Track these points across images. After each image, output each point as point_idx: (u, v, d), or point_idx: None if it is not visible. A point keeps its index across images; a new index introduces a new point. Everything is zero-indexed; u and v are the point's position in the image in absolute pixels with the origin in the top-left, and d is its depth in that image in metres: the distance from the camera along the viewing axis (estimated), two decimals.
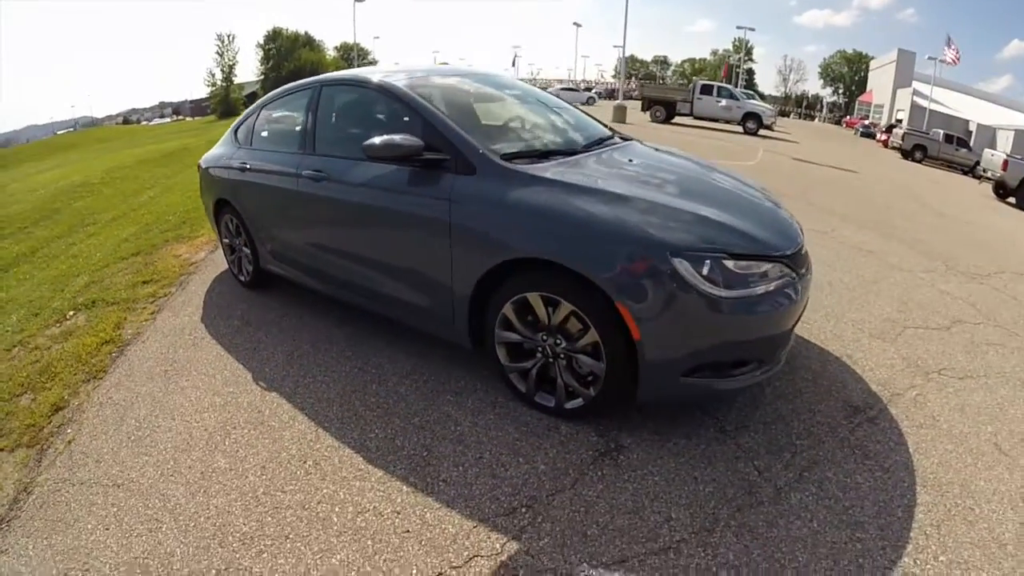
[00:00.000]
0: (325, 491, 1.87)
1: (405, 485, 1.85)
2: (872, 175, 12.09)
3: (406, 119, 2.38)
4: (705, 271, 1.78)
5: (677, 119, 21.00)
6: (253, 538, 1.73)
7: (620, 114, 18.48)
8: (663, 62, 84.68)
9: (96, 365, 3.10)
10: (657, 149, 2.92)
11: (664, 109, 20.88)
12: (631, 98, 28.59)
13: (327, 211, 2.72)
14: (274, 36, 52.99)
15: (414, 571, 1.54)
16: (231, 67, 50.68)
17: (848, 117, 53.04)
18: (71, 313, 3.99)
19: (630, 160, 2.47)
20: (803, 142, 17.96)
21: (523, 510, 1.69)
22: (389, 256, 2.44)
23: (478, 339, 2.23)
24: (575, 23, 51.77)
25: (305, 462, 2.03)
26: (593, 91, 24.54)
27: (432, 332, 2.47)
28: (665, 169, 2.49)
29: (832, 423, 2.21)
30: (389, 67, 3.29)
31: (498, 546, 1.58)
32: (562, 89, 32.63)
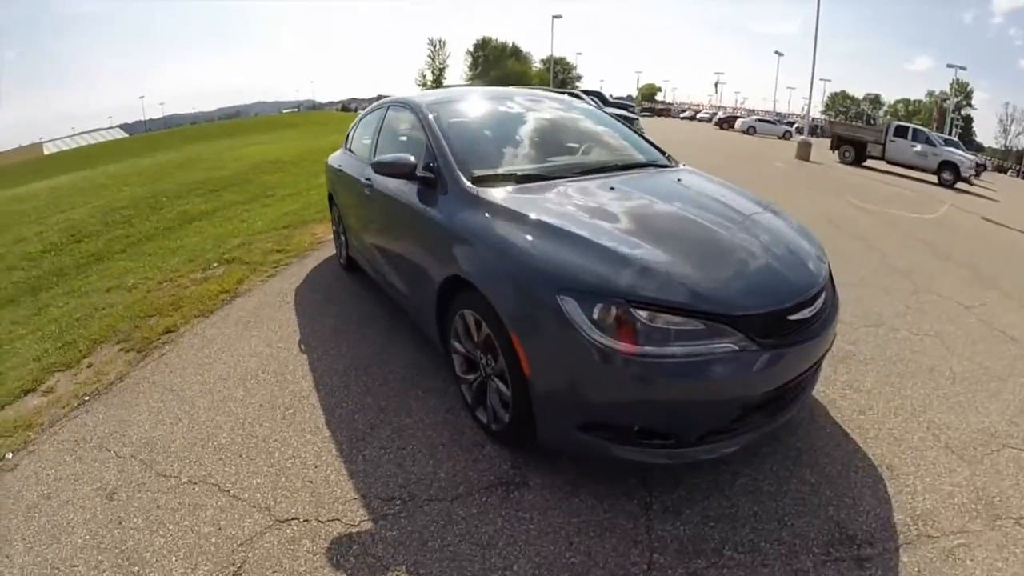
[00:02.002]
0: (283, 434, 2.49)
1: (335, 448, 2.35)
2: None
3: (423, 138, 2.92)
4: (596, 314, 1.76)
5: (869, 162, 18.92)
6: (222, 448, 2.42)
7: (804, 151, 17.37)
8: (875, 100, 79.61)
9: (208, 307, 4.26)
10: (689, 182, 2.84)
11: (853, 149, 19.01)
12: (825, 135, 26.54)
13: (373, 213, 3.49)
14: (483, 44, 60.71)
15: (289, 506, 2.04)
16: (441, 70, 58.97)
17: None
18: (215, 265, 5.42)
19: (612, 188, 2.53)
20: (1005, 202, 14.65)
21: (398, 502, 2.01)
22: (402, 258, 2.99)
23: (448, 346, 2.59)
24: (776, 51, 49.38)
25: (288, 410, 2.67)
26: (795, 125, 23.11)
27: (425, 332, 2.94)
28: (647, 205, 2.42)
29: (796, 547, 1.87)
30: (480, 89, 3.92)
31: (357, 519, 1.94)
32: (758, 120, 32.63)
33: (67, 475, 2.42)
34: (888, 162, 18.43)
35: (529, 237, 2.08)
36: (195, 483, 2.24)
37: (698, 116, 51.00)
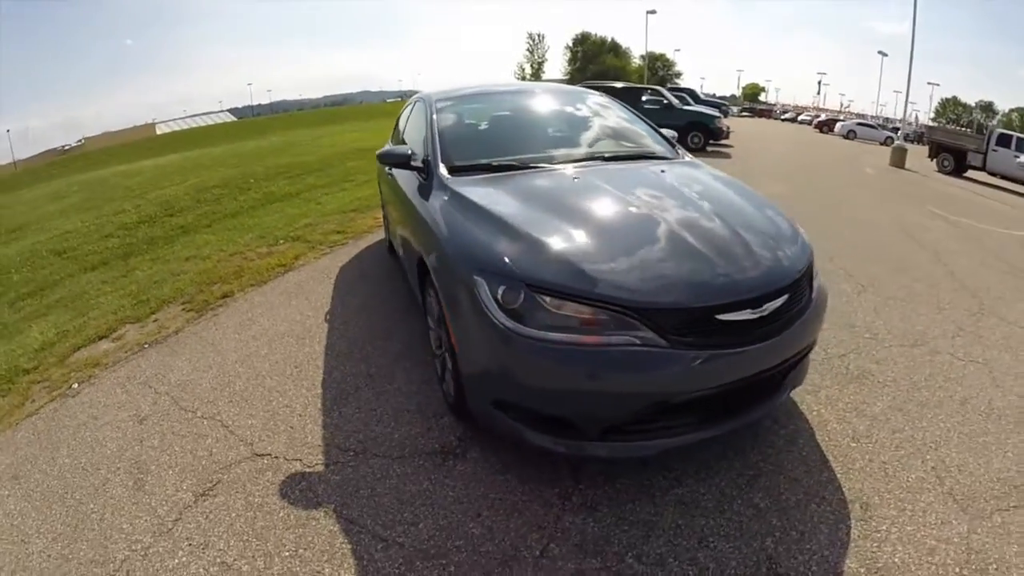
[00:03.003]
0: (285, 386, 2.93)
1: (320, 403, 2.75)
2: None
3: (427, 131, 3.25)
4: (500, 296, 1.91)
5: (971, 173, 16.91)
6: (235, 393, 2.92)
7: (898, 157, 16.07)
8: (987, 108, 72.10)
9: (264, 278, 4.90)
10: (673, 174, 2.86)
11: (953, 158, 17.06)
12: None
13: (393, 200, 3.89)
14: (582, 39, 61.33)
15: (267, 444, 2.47)
16: (540, 64, 59.79)
17: None
18: (281, 242, 6.13)
19: (575, 179, 2.67)
20: None
21: (351, 454, 2.33)
22: (404, 240, 3.32)
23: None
24: (880, 52, 45.00)
25: (296, 368, 3.13)
26: (900, 131, 21.20)
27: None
28: (597, 194, 2.49)
29: (708, 571, 1.80)
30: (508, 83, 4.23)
31: (314, 462, 2.30)
32: (859, 124, 31.72)
33: (113, 403, 3.02)
34: (990, 173, 16.54)
35: (467, 221, 2.30)
36: (205, 418, 2.73)
37: (799, 118, 50.79)
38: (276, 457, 2.37)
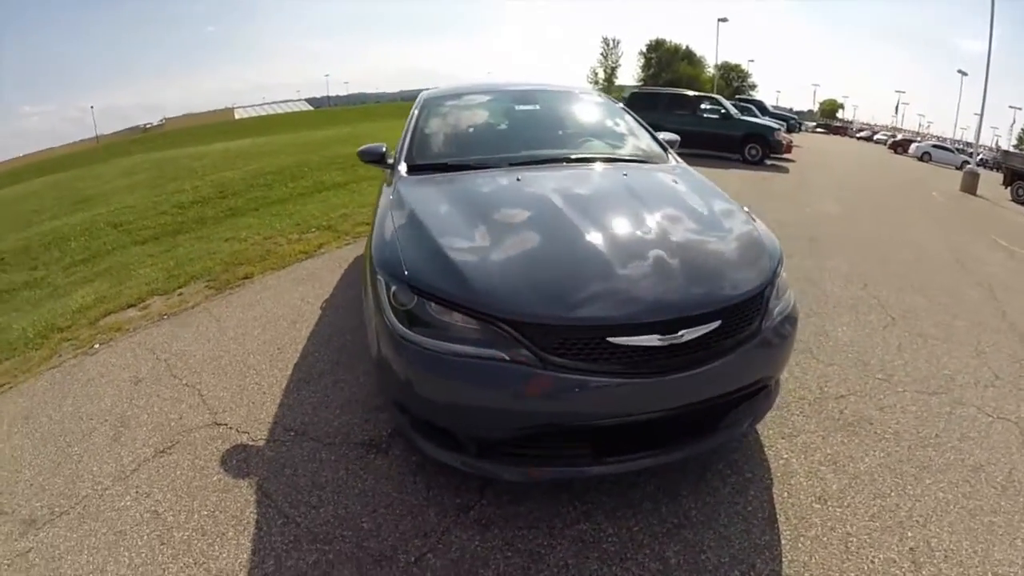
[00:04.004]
0: (262, 366, 3.24)
1: (285, 384, 3.03)
2: None
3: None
4: (392, 297, 1.96)
5: None
6: (220, 367, 3.26)
7: (969, 183, 15.03)
8: None
9: (284, 263, 5.30)
10: (634, 179, 2.79)
11: None
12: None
13: None
14: (656, 46, 60.81)
15: (227, 415, 2.74)
16: (613, 69, 59.57)
17: None
18: (313, 230, 6.56)
19: (518, 179, 2.68)
20: None
21: (292, 434, 2.56)
22: None
23: None
24: (960, 71, 41.41)
25: (278, 350, 3.43)
26: (979, 156, 19.90)
27: None
28: (529, 199, 2.49)
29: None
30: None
31: (258, 437, 2.56)
32: (934, 147, 31.10)
33: (120, 364, 3.42)
34: None
35: (395, 220, 2.37)
36: (187, 385, 3.07)
37: (875, 137, 49.80)
38: (230, 428, 2.66)
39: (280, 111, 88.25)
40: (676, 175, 3.06)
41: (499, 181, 2.74)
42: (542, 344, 1.79)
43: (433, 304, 1.89)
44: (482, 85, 4.40)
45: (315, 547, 1.95)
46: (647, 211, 2.36)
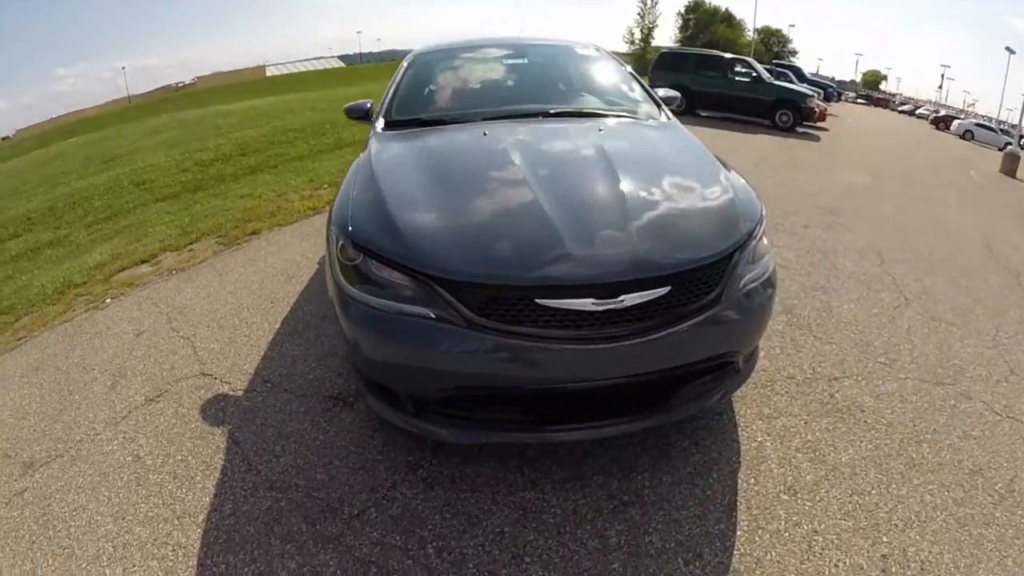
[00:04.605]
0: (254, 319, 3.31)
1: (272, 336, 3.09)
2: None
3: None
4: (338, 252, 1.96)
5: None
6: (215, 319, 3.35)
7: (1010, 164, 14.03)
8: None
9: (292, 219, 5.36)
10: (607, 134, 2.65)
11: None
12: None
13: None
14: (694, 7, 58.02)
15: (214, 366, 2.83)
16: (650, 30, 57.25)
17: None
18: (325, 186, 6.60)
19: (484, 134, 2.56)
20: None
21: (269, 385, 2.63)
22: None
23: None
24: (1008, 48, 37.93)
25: (271, 304, 3.50)
26: (1016, 136, 18.65)
27: None
28: (486, 154, 2.43)
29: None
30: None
31: (238, 387, 2.62)
32: (977, 125, 30.19)
33: (126, 318, 3.55)
34: None
35: (359, 175, 2.34)
36: (183, 337, 3.17)
37: (917, 111, 47.60)
38: (215, 378, 2.74)
39: (312, 68, 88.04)
40: (661, 132, 2.91)
41: (463, 136, 2.67)
42: (470, 304, 1.73)
43: (373, 261, 1.85)
44: (477, 40, 4.24)
45: (270, 494, 2.01)
46: (614, 169, 2.19)
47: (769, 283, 2.05)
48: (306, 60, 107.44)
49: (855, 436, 2.34)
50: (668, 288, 1.77)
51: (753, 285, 1.97)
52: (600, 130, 2.71)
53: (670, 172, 2.35)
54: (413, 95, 3.28)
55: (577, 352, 1.73)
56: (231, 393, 2.61)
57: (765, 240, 2.15)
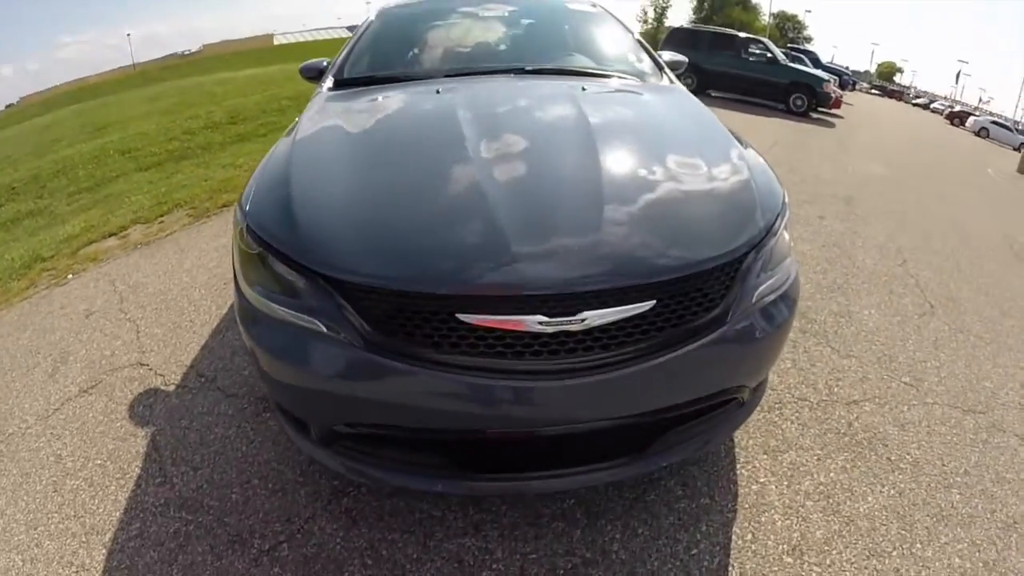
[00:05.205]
0: (204, 304, 3.11)
1: (216, 325, 2.90)
2: None
3: None
4: (239, 233, 1.60)
5: None
6: (165, 301, 3.17)
7: None
8: None
9: None
10: (590, 95, 2.21)
11: None
12: None
13: None
14: None
15: (152, 355, 2.66)
16: (664, 9, 55.69)
17: None
18: None
19: (436, 91, 2.22)
20: None
21: (203, 380, 2.45)
22: None
23: None
24: None
25: (224, 285, 3.30)
26: None
27: None
28: (433, 119, 2.04)
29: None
30: None
31: (171, 382, 2.44)
32: (993, 123, 29.77)
33: (80, 296, 3.40)
34: None
35: (281, 145, 2.00)
36: (130, 320, 3.02)
37: (931, 106, 47.70)
38: (150, 369, 2.57)
39: (320, 38, 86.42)
40: (661, 96, 2.44)
41: (411, 96, 2.30)
42: (368, 315, 1.33)
43: (269, 253, 1.46)
44: None
45: (180, 515, 1.80)
46: (592, 139, 1.76)
47: (790, 297, 1.57)
48: (315, 30, 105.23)
49: (876, 478, 1.96)
50: (652, 303, 1.32)
51: (770, 298, 1.50)
52: (584, 89, 2.26)
53: (667, 145, 1.87)
54: (371, 51, 2.90)
55: (517, 391, 1.30)
56: (163, 388, 2.43)
57: (787, 236, 1.65)
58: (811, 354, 2.72)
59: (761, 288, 1.48)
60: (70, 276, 3.75)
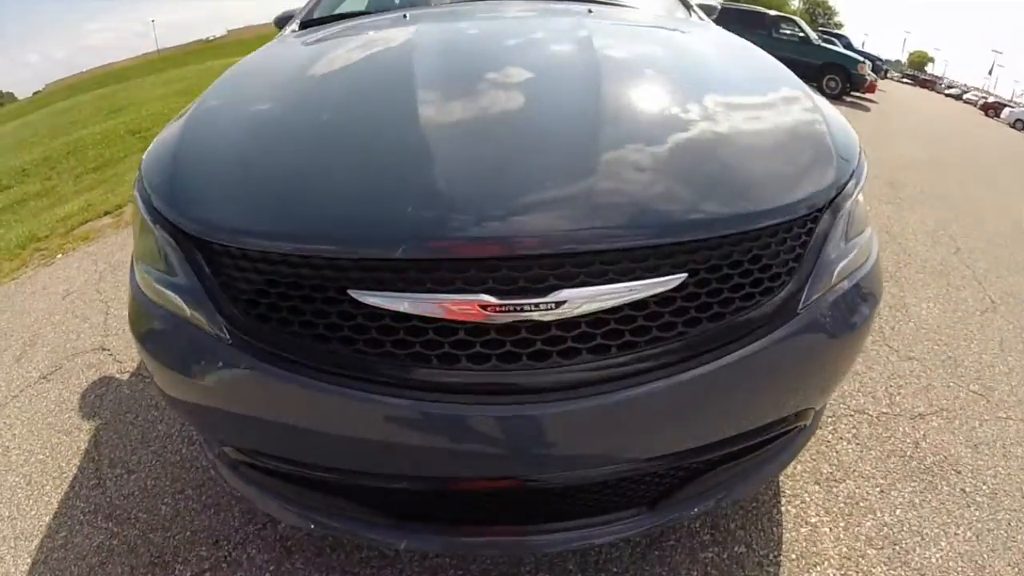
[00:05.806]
0: None
1: None
2: None
3: None
4: (136, 192, 1.24)
5: None
6: None
7: None
8: None
9: None
10: (597, 22, 1.74)
11: None
12: None
13: None
14: None
15: (115, 342, 2.49)
16: None
17: None
18: None
19: (404, 16, 1.88)
20: None
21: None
22: None
23: None
24: None
25: None
26: None
27: None
28: (397, 55, 1.52)
29: None
30: None
31: (127, 371, 2.27)
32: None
33: (62, 276, 3.27)
34: None
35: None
36: (101, 302, 2.86)
37: (964, 97, 45.29)
38: (110, 355, 2.39)
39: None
40: (697, 29, 1.90)
41: (369, 26, 1.92)
42: (237, 290, 0.93)
43: (145, 210, 1.12)
44: None
45: (106, 526, 1.58)
46: (593, 67, 1.26)
47: (875, 279, 1.13)
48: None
49: (950, 516, 1.54)
50: (680, 276, 0.85)
51: (852, 282, 1.05)
52: (589, 10, 1.82)
53: (706, 79, 1.36)
54: None
55: (447, 420, 0.85)
56: (116, 376, 2.24)
57: (864, 203, 1.18)
58: (867, 354, 2.29)
59: (841, 265, 1.02)
60: (59, 256, 3.63)
